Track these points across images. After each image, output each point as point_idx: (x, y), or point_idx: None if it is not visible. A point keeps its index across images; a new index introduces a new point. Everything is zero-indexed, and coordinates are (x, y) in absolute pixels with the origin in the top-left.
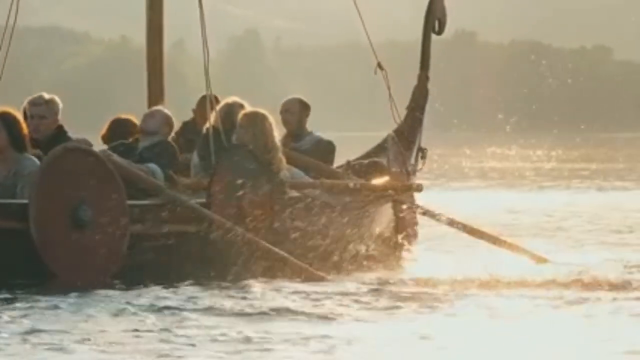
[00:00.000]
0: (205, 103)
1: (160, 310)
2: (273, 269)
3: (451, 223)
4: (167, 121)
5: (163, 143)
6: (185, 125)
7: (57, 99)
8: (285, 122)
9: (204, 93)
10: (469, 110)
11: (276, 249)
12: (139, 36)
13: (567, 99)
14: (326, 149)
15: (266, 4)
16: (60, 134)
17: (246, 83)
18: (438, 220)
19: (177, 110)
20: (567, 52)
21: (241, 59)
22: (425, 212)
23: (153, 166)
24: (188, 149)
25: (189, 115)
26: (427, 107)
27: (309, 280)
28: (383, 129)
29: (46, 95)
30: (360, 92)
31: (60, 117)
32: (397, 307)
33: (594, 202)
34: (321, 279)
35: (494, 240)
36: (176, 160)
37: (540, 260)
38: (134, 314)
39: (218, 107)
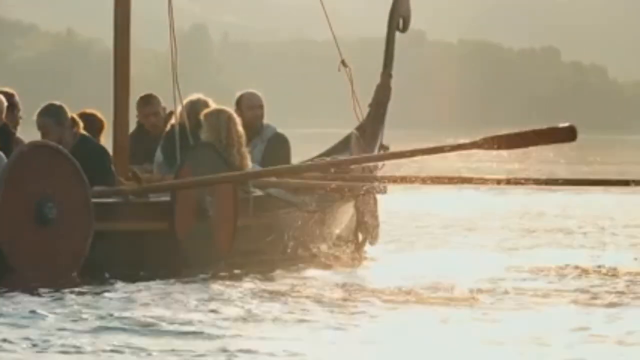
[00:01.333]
0: (145, 102)
1: (123, 308)
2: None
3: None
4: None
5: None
6: (138, 127)
7: (1, 97)
8: (255, 118)
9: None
10: (417, 109)
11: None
12: (85, 30)
13: (516, 99)
14: (282, 145)
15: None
16: (4, 131)
17: (194, 78)
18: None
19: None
20: (516, 53)
21: (189, 53)
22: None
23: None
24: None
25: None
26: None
27: None
28: (332, 126)
29: None
30: (309, 88)
31: (4, 116)
32: (358, 308)
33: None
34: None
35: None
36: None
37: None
38: (96, 311)
39: (187, 103)
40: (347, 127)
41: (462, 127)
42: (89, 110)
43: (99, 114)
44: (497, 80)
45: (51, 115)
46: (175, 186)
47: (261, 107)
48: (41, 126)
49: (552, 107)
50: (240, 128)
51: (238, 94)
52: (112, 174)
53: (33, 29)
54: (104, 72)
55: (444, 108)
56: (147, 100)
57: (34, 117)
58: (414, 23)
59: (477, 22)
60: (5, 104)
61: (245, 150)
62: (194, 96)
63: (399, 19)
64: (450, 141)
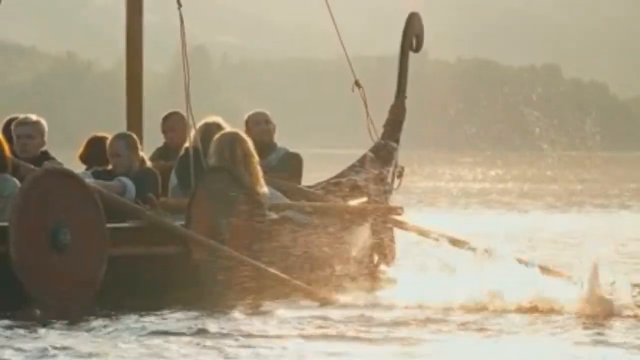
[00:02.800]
0: (166, 118)
1: (139, 333)
2: (258, 288)
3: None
4: (133, 149)
5: (144, 169)
6: (158, 150)
7: (43, 121)
8: (263, 134)
9: (169, 111)
10: (417, 128)
11: (262, 265)
12: (84, 52)
13: (516, 116)
14: (295, 163)
15: (213, 21)
16: (46, 158)
17: (194, 98)
18: (434, 239)
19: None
20: (516, 70)
21: (191, 73)
22: (421, 232)
23: (125, 179)
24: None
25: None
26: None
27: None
28: (332, 146)
29: (33, 117)
30: (311, 107)
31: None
32: (376, 331)
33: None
34: (312, 295)
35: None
36: (157, 186)
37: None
38: (113, 337)
39: (197, 127)
40: (348, 148)
41: (462, 145)
42: (100, 134)
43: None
44: (497, 97)
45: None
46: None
47: (267, 122)
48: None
49: (554, 125)
50: (247, 147)
51: (246, 115)
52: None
53: (32, 51)
54: (103, 93)
55: (443, 126)
56: (166, 117)
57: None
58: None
59: (477, 40)
60: (47, 128)
61: (256, 169)
62: (210, 119)
63: (412, 38)
64: (448, 157)
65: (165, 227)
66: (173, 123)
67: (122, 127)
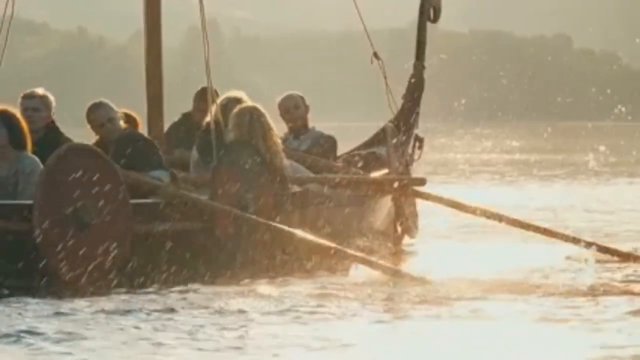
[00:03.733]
0: (203, 96)
1: (165, 309)
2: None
3: (469, 209)
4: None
5: (135, 139)
6: (185, 117)
7: (50, 95)
8: (293, 119)
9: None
10: (429, 101)
11: (290, 229)
12: (95, 27)
13: (527, 89)
14: (328, 145)
15: None
16: (53, 129)
17: (204, 73)
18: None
19: (140, 104)
20: (528, 41)
21: (200, 49)
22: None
23: (159, 174)
24: (182, 144)
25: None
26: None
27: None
28: (346, 119)
29: (39, 90)
30: (324, 82)
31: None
32: (402, 305)
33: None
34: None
35: (523, 225)
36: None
37: (589, 244)
38: (139, 313)
39: (218, 101)
40: (365, 120)
41: (475, 117)
42: (122, 110)
43: (132, 113)
44: (509, 68)
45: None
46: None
47: (296, 107)
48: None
49: (563, 94)
50: (265, 120)
51: (278, 99)
52: (161, 159)
53: (44, 27)
54: (115, 69)
55: (457, 99)
56: (203, 96)
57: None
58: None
59: (488, 11)
60: (54, 103)
61: (276, 142)
62: (230, 93)
63: (429, 9)
64: (462, 132)
65: (188, 200)
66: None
67: (138, 102)
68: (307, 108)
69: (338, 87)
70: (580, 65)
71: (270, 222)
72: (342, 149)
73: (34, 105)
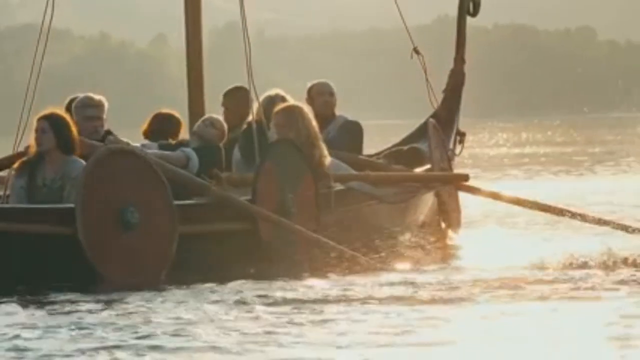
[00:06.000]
0: (236, 96)
1: (211, 310)
2: (324, 263)
3: (514, 201)
4: (223, 135)
5: (210, 147)
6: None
7: (103, 98)
8: (326, 106)
9: (235, 85)
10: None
11: (327, 240)
12: (117, 33)
13: (553, 83)
14: (354, 131)
15: None
16: (110, 134)
17: (231, 75)
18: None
19: (162, 104)
20: (552, 35)
21: (224, 51)
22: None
23: (188, 150)
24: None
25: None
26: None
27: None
28: (374, 117)
29: (96, 96)
30: (350, 81)
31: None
32: (449, 297)
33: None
34: (374, 268)
35: (569, 214)
36: (220, 163)
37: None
38: (185, 314)
39: (260, 100)
40: (389, 117)
41: (501, 112)
42: (164, 111)
43: (176, 114)
44: (534, 63)
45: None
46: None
47: (331, 94)
48: None
49: (590, 87)
50: (309, 119)
51: (309, 83)
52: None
53: (67, 34)
54: (138, 73)
55: (483, 94)
56: (233, 95)
57: None
58: (449, 10)
59: (512, 5)
60: (107, 106)
61: (319, 140)
62: (272, 92)
63: (469, 3)
64: (490, 125)
65: (232, 203)
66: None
67: (162, 105)
68: (336, 99)
69: (364, 85)
70: (605, 58)
71: (306, 231)
72: (373, 146)
73: (97, 114)
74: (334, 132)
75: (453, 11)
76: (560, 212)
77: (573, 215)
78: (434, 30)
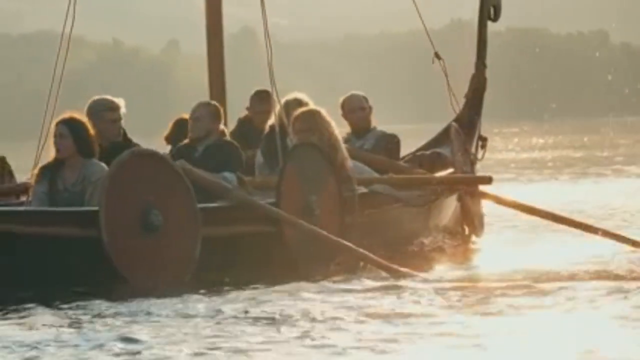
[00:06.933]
0: (261, 99)
1: (236, 313)
2: (348, 267)
3: (533, 211)
4: (214, 117)
5: (223, 144)
6: (242, 123)
7: (117, 101)
8: (359, 120)
9: (259, 88)
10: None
11: (350, 245)
12: (130, 39)
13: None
14: (391, 143)
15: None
16: (125, 137)
17: (245, 81)
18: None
19: (175, 111)
20: (565, 38)
21: (238, 57)
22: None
23: (227, 175)
24: (245, 146)
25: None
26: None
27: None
28: (388, 122)
29: (115, 99)
30: (364, 85)
31: None
32: (473, 302)
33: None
34: (400, 274)
35: (582, 227)
36: (241, 161)
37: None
38: (209, 317)
39: (282, 103)
40: (403, 122)
41: (516, 115)
42: (186, 116)
43: None
44: (547, 65)
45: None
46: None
47: (362, 109)
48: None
49: (604, 90)
50: (329, 122)
51: (341, 98)
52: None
53: (80, 40)
54: (154, 78)
55: (497, 97)
56: (263, 97)
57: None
58: (461, 14)
59: (524, 8)
60: (123, 107)
61: (340, 143)
62: (291, 95)
63: (489, 7)
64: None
65: (255, 206)
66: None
67: (176, 110)
68: (370, 109)
69: (378, 89)
70: (618, 61)
71: (329, 235)
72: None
73: (119, 117)
74: (369, 144)
75: (467, 15)
76: (576, 224)
77: (587, 227)
78: (447, 34)
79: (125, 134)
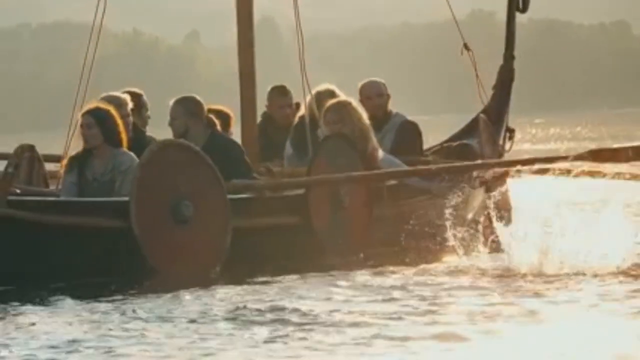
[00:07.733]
0: (281, 94)
1: (266, 303)
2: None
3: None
4: (188, 112)
5: (227, 146)
6: (264, 118)
7: (122, 95)
8: (375, 108)
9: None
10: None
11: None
12: (150, 29)
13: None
14: (411, 132)
15: None
16: (137, 130)
17: (265, 71)
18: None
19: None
20: (587, 29)
21: (258, 47)
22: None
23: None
24: (268, 142)
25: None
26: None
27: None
28: (409, 113)
29: (118, 94)
30: (383, 75)
31: None
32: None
33: None
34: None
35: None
36: (248, 164)
37: None
38: (239, 308)
39: (314, 93)
40: (423, 113)
41: (539, 107)
42: (214, 106)
43: (225, 109)
44: (569, 57)
45: (182, 104)
46: (311, 183)
47: (380, 95)
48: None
49: (625, 82)
50: (360, 113)
51: (360, 84)
52: (248, 166)
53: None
54: (174, 68)
55: (518, 88)
56: (283, 92)
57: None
58: (483, 4)
59: (546, 0)
60: (130, 102)
61: (371, 134)
62: (322, 87)
63: None
64: (525, 121)
65: (283, 185)
66: (291, 98)
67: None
68: (388, 97)
69: (398, 80)
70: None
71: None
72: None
73: (129, 112)
74: (390, 135)
75: (488, 6)
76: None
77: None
78: (468, 25)
79: (135, 127)
